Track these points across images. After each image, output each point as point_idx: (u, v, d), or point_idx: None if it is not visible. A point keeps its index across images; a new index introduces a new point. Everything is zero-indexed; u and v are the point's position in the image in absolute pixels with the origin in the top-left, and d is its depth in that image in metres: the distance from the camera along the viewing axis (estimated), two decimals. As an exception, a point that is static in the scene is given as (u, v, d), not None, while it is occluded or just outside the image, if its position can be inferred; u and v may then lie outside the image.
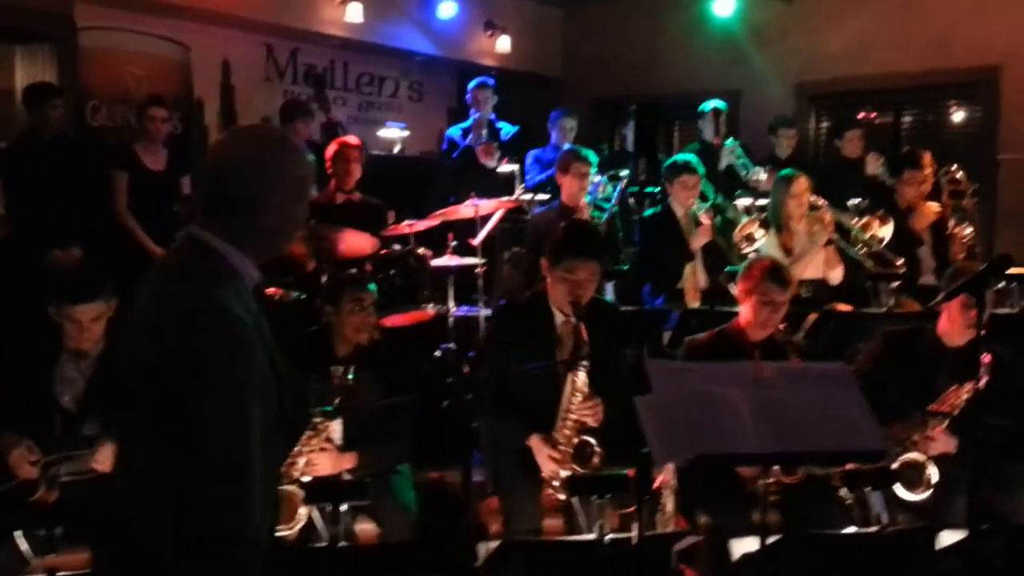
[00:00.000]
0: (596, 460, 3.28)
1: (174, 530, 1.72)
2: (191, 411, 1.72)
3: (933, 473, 3.43)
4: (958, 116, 7.26)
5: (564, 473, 3.29)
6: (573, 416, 3.33)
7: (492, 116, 6.54)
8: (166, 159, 5.70)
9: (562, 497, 3.28)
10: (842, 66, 7.29)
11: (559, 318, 3.47)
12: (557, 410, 3.39)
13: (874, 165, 5.97)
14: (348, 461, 3.52)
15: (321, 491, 3.01)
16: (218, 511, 1.72)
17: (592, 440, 3.30)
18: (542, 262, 3.56)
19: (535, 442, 3.37)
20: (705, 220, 5.19)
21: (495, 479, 3.67)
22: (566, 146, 6.16)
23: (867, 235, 5.05)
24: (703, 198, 5.34)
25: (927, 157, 5.34)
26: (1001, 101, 6.72)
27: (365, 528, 3.57)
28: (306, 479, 3.38)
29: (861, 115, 7.07)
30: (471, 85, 6.56)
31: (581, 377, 3.30)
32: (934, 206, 5.31)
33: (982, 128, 6.90)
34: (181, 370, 1.73)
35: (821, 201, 5.18)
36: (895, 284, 4.95)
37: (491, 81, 6.57)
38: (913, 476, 3.46)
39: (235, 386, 1.73)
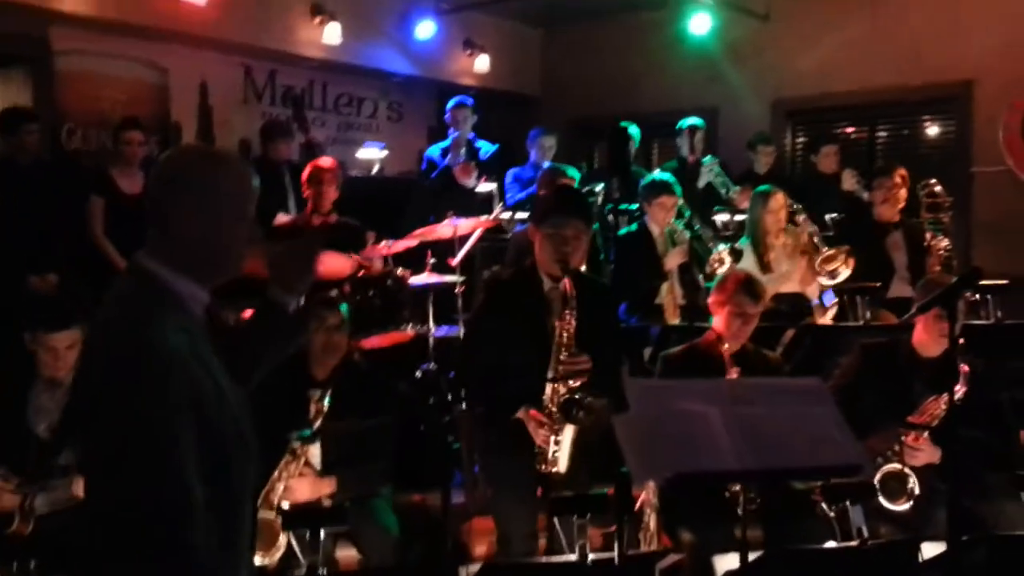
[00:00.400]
0: (583, 415, 3.18)
1: (115, 563, 1.70)
2: (116, 442, 1.70)
3: (914, 483, 3.44)
4: (932, 130, 7.33)
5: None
6: (562, 369, 3.24)
7: (471, 135, 6.56)
8: (143, 183, 5.52)
9: (556, 468, 3.22)
10: (818, 83, 7.36)
11: (548, 284, 3.42)
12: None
13: (850, 181, 6.02)
14: (327, 486, 3.49)
15: (299, 518, 2.98)
16: (149, 541, 1.67)
17: (578, 396, 3.19)
18: (529, 228, 3.54)
19: (523, 413, 3.31)
20: (682, 242, 5.21)
21: (486, 492, 3.62)
22: (545, 164, 6.19)
23: (828, 267, 5.06)
24: (678, 215, 5.35)
25: (900, 170, 5.38)
26: (974, 115, 6.79)
27: (346, 554, 3.54)
28: (285, 505, 3.36)
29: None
30: (449, 104, 6.58)
31: (568, 330, 3.23)
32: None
33: (956, 142, 6.97)
34: (107, 400, 1.71)
35: (802, 217, 5.22)
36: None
37: (470, 100, 6.59)
38: (895, 487, 3.48)
39: (160, 416, 1.69)
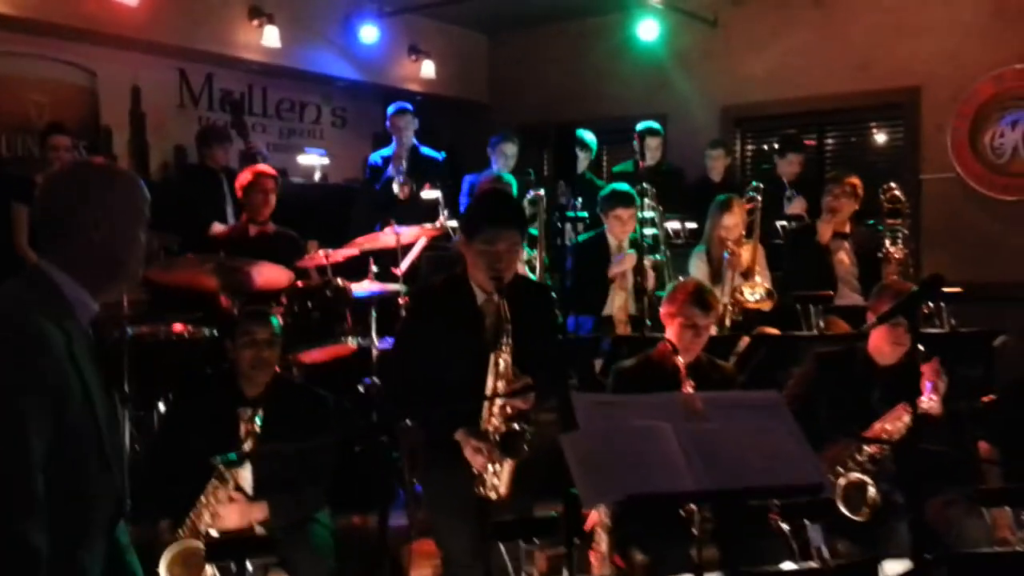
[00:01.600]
0: (526, 447, 3.01)
1: None
2: None
3: (875, 493, 3.37)
4: (881, 137, 7.33)
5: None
6: (499, 402, 3.05)
7: (415, 142, 6.38)
8: None
9: (496, 494, 3.05)
10: (767, 89, 7.32)
11: (481, 296, 3.20)
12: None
13: (800, 207, 6.02)
14: (259, 511, 3.29)
15: (222, 548, 2.76)
16: None
17: (521, 426, 3.02)
18: (459, 239, 3.32)
19: (461, 436, 3.09)
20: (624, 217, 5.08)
21: (428, 513, 3.43)
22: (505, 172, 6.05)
23: (747, 293, 4.98)
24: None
25: (851, 178, 5.32)
26: (922, 121, 6.79)
27: (279, 582, 3.34)
28: (214, 533, 3.14)
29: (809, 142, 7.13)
30: (390, 111, 6.40)
31: (504, 358, 3.04)
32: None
33: (904, 149, 6.97)
34: None
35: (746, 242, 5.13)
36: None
37: (410, 107, 6.41)
38: (855, 497, 3.40)
39: (15, 391, 1.70)
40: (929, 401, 3.46)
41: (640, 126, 6.46)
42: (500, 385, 3.04)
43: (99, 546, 1.83)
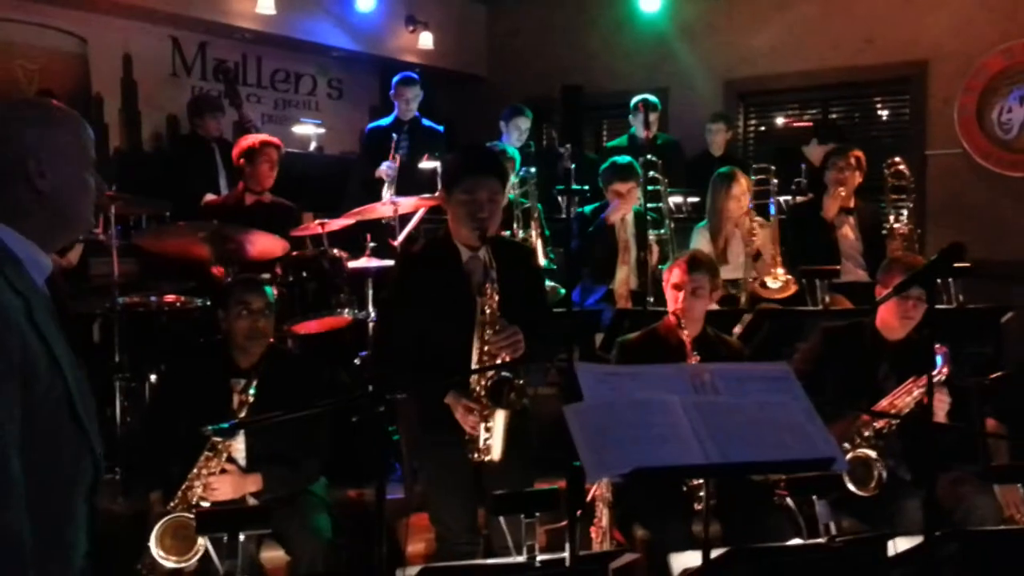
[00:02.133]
0: (513, 396, 2.93)
1: None
2: None
3: (881, 469, 3.32)
4: (886, 112, 7.22)
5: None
6: (488, 350, 2.97)
7: (417, 114, 6.26)
8: None
9: (490, 456, 2.98)
10: (771, 63, 7.21)
11: (466, 254, 3.13)
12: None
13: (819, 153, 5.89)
14: (252, 483, 3.23)
15: (215, 520, 2.68)
16: None
17: (508, 375, 2.94)
18: (440, 195, 3.28)
19: (451, 399, 3.04)
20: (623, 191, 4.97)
21: (423, 488, 3.36)
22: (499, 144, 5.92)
23: (769, 283, 4.89)
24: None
25: (855, 151, 5.23)
26: (929, 96, 6.69)
27: (273, 556, 3.27)
28: (205, 505, 3.07)
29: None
30: (395, 79, 6.26)
31: (491, 305, 2.96)
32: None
33: (910, 124, 6.87)
34: None
35: (761, 222, 5.03)
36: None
37: (416, 77, 6.28)
38: (862, 473, 3.34)
39: None
40: (938, 375, 3.38)
41: (638, 98, 6.35)
42: (487, 334, 2.97)
43: (81, 514, 1.74)
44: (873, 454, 3.35)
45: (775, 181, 5.21)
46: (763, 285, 4.87)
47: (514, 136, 6.12)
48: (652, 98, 6.28)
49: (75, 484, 1.72)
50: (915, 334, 3.59)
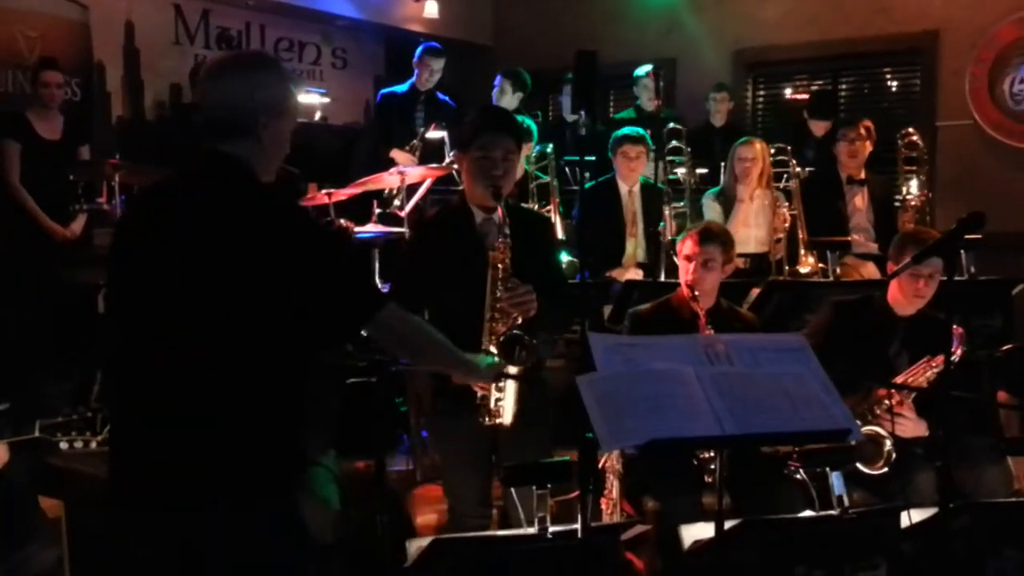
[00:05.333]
0: (525, 355, 2.87)
1: None
2: None
3: (891, 446, 3.31)
4: (896, 83, 7.14)
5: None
6: (500, 307, 2.92)
7: (436, 91, 6.21)
8: (62, 127, 5.38)
9: (501, 420, 2.94)
10: (779, 33, 7.12)
11: (480, 216, 3.10)
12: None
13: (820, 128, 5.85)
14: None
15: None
16: None
17: (519, 333, 2.89)
18: (455, 156, 3.27)
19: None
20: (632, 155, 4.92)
21: (434, 458, 3.34)
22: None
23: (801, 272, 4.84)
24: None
25: (865, 122, 5.17)
26: (940, 67, 6.61)
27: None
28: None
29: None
30: (421, 48, 6.17)
31: (504, 261, 2.93)
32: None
33: (921, 95, 6.79)
34: None
35: (785, 204, 4.97)
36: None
37: (441, 47, 6.20)
38: (871, 450, 3.33)
39: None
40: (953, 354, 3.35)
41: (646, 68, 6.28)
42: (498, 291, 2.93)
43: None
44: (882, 431, 3.33)
45: (793, 161, 5.14)
46: (795, 272, 4.83)
47: (503, 101, 6.05)
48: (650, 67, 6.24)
49: None
50: (928, 310, 3.56)
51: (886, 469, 3.31)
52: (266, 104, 2.10)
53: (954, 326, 3.24)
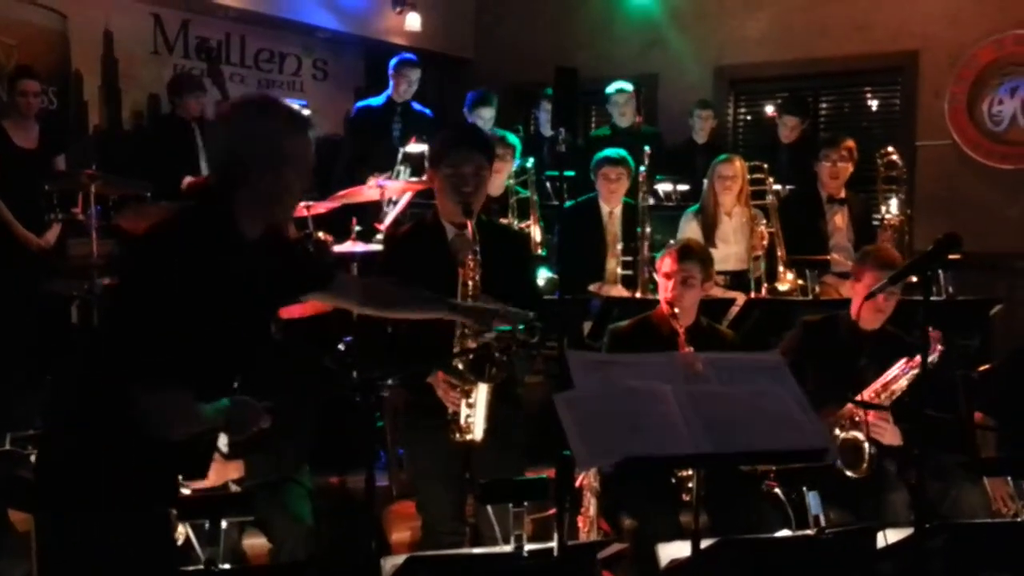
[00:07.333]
0: (495, 372, 2.90)
1: None
2: None
3: (869, 448, 3.35)
4: (876, 102, 7.19)
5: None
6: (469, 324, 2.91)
7: (411, 102, 6.18)
8: (38, 136, 5.34)
9: (472, 436, 2.97)
10: (762, 50, 7.15)
11: (451, 231, 3.13)
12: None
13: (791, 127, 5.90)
14: (234, 470, 3.19)
15: (196, 506, 2.62)
16: None
17: (490, 349, 2.86)
18: (427, 174, 3.32)
19: (433, 378, 3.03)
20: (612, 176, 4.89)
21: (408, 474, 3.31)
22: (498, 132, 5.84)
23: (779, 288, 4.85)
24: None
25: (848, 141, 5.19)
26: (920, 86, 6.66)
27: (255, 543, 3.22)
28: (186, 491, 3.01)
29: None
30: (396, 59, 6.17)
31: (473, 279, 2.94)
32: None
33: (900, 114, 6.83)
34: None
35: (763, 222, 4.98)
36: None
37: (416, 59, 6.19)
38: (851, 456, 3.37)
39: None
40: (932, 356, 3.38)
41: (619, 87, 6.29)
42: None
43: None
44: (861, 436, 3.37)
45: (771, 180, 5.15)
46: (774, 289, 4.84)
47: (479, 122, 6.01)
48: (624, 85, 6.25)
49: None
50: (889, 325, 3.63)
51: (870, 472, 3.35)
52: (255, 155, 2.08)
53: (930, 329, 3.27)
